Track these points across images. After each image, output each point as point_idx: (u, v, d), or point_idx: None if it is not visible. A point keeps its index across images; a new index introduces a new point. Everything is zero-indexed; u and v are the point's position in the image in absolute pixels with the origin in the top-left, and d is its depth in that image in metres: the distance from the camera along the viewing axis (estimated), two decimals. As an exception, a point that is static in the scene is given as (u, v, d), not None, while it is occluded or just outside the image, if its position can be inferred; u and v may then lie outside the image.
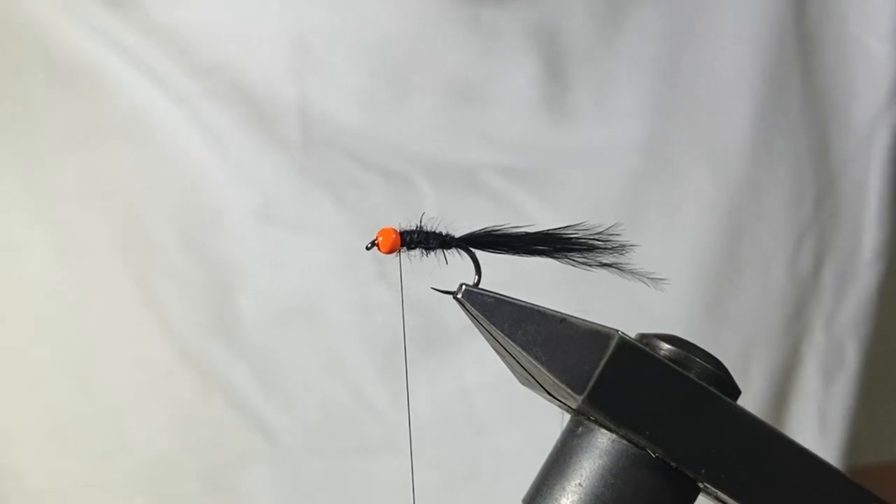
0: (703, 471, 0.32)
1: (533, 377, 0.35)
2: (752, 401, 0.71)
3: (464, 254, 0.37)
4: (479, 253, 0.37)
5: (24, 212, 0.69)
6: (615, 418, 0.33)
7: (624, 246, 0.39)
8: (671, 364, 0.33)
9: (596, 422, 0.33)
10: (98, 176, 0.70)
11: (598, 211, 0.73)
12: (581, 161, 0.74)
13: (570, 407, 0.35)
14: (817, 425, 0.74)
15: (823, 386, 0.71)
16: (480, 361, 0.68)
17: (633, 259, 0.38)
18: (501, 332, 0.34)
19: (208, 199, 0.69)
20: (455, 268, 0.37)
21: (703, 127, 0.75)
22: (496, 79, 0.73)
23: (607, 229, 0.38)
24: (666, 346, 0.34)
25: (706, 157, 0.75)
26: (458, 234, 0.37)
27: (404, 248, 0.35)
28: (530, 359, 0.33)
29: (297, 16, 0.71)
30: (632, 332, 0.35)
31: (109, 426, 0.66)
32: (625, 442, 0.33)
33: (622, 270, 0.38)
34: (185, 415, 0.57)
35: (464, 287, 0.34)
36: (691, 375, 0.33)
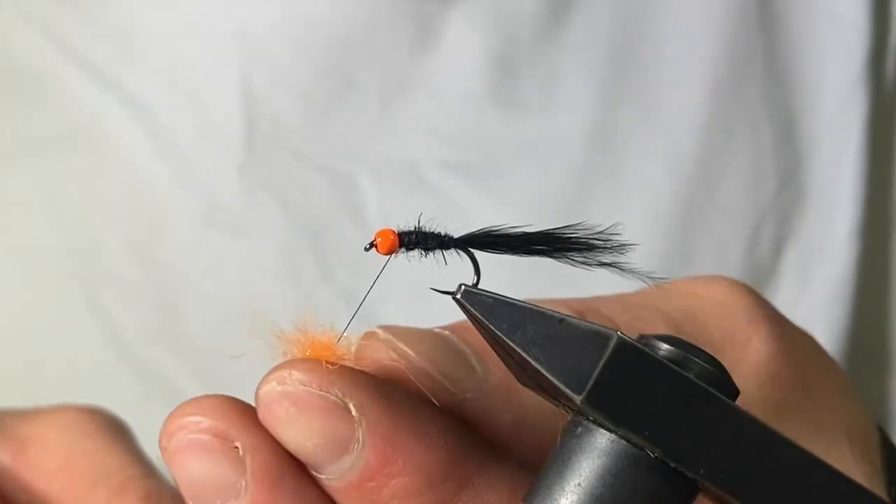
0: (701, 471, 0.32)
1: (532, 377, 0.35)
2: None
3: (462, 254, 0.37)
4: (477, 253, 0.37)
5: None
6: (614, 419, 0.33)
7: (624, 245, 0.39)
8: (670, 364, 0.33)
9: (595, 422, 0.33)
10: (46, 181, 0.69)
11: (543, 204, 0.72)
12: (527, 153, 0.72)
13: (569, 407, 0.35)
14: None
15: None
16: None
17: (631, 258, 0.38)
18: (500, 332, 0.34)
19: (154, 204, 0.69)
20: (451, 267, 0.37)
21: (655, 112, 0.74)
22: (441, 72, 0.72)
23: (607, 229, 0.38)
24: (665, 346, 0.34)
25: (657, 143, 0.74)
26: (456, 234, 0.37)
27: (402, 248, 0.36)
28: (529, 359, 0.33)
29: (241, 12, 0.70)
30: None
31: None
32: (624, 442, 0.33)
33: (622, 269, 0.38)
34: (129, 420, 0.57)
35: (463, 287, 0.34)
36: (690, 376, 0.33)
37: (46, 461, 0.47)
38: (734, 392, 0.34)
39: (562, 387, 0.33)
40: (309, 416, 0.34)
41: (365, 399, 0.34)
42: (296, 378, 0.34)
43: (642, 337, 0.34)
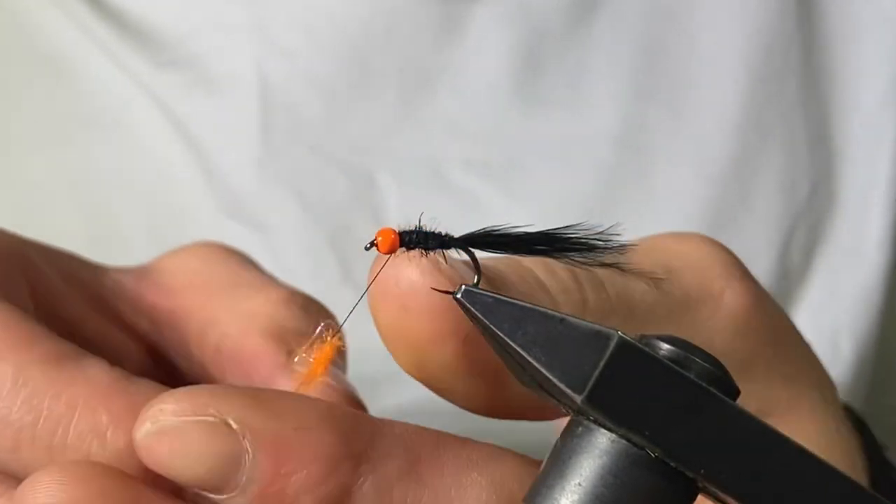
0: (702, 470, 0.32)
1: (533, 377, 0.35)
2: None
3: (463, 254, 0.37)
4: (478, 253, 0.37)
5: None
6: (615, 418, 0.33)
7: (625, 245, 0.39)
8: (671, 364, 0.33)
9: (595, 422, 0.33)
10: (70, 166, 0.69)
11: (568, 205, 0.71)
12: (552, 152, 0.72)
13: (570, 407, 0.35)
14: None
15: None
16: None
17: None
18: (501, 332, 0.34)
19: (176, 193, 0.69)
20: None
21: (686, 110, 0.73)
22: (465, 67, 0.71)
23: (608, 229, 0.38)
24: (665, 346, 0.34)
25: (687, 143, 0.72)
26: (458, 232, 0.37)
27: (403, 248, 0.36)
28: (530, 359, 0.33)
29: (261, 3, 0.70)
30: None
31: None
32: (624, 442, 0.33)
33: (623, 270, 0.38)
34: None
35: (463, 287, 0.34)
36: (691, 375, 0.33)
37: (173, 280, 0.47)
38: (735, 392, 0.34)
39: (562, 387, 0.33)
40: (193, 445, 0.34)
41: (242, 410, 0.34)
42: (168, 411, 0.34)
43: (643, 336, 0.34)
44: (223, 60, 0.70)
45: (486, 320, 0.34)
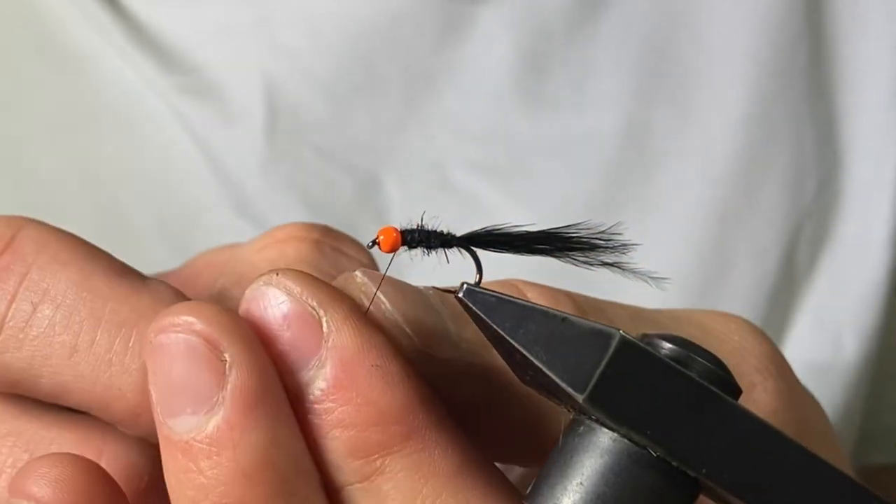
0: (704, 470, 0.32)
1: (535, 376, 0.35)
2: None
3: (465, 253, 0.37)
4: (480, 252, 0.37)
5: (4, 189, 0.68)
6: (616, 418, 0.33)
7: (626, 245, 0.38)
8: (673, 363, 0.33)
9: (597, 421, 0.33)
10: (81, 160, 0.69)
11: (572, 206, 0.70)
12: (557, 153, 0.71)
13: (571, 406, 0.35)
14: None
15: (812, 379, 0.68)
16: None
17: (634, 258, 0.38)
18: (503, 331, 0.34)
19: (185, 191, 0.69)
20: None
21: (692, 109, 0.72)
22: (470, 68, 0.71)
23: (609, 228, 0.38)
24: (667, 345, 0.34)
25: (694, 142, 0.72)
26: (460, 233, 0.37)
27: (405, 246, 0.36)
28: (531, 358, 0.33)
29: (264, 3, 0.70)
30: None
31: None
32: (626, 441, 0.33)
33: (624, 269, 0.38)
34: None
35: (465, 286, 0.34)
36: (693, 375, 0.33)
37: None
38: (737, 391, 0.34)
39: (564, 386, 0.33)
40: (281, 320, 0.34)
41: (338, 319, 0.34)
42: (281, 282, 0.34)
43: (645, 336, 0.34)
44: (229, 62, 0.70)
45: (487, 319, 0.34)
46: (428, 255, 0.36)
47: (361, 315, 0.35)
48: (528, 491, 0.35)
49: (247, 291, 0.34)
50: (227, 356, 0.33)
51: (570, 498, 0.33)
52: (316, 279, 0.35)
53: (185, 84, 0.69)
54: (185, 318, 0.34)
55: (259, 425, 0.33)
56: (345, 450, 0.34)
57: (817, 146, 0.73)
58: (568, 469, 0.33)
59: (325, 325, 0.34)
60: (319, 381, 0.34)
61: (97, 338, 0.37)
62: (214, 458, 0.33)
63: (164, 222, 0.68)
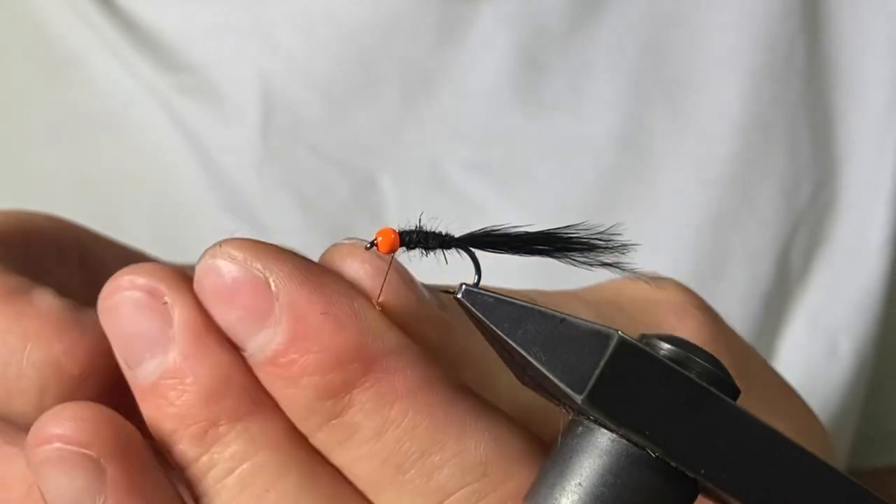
0: (703, 471, 0.32)
1: (533, 377, 0.35)
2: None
3: (463, 254, 0.37)
4: (478, 253, 0.37)
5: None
6: (615, 418, 0.33)
7: (626, 245, 0.38)
8: (671, 364, 0.33)
9: (596, 421, 0.33)
10: (75, 164, 0.69)
11: (568, 207, 0.70)
12: (553, 154, 0.71)
13: (570, 407, 0.35)
14: None
15: (807, 382, 0.68)
16: None
17: (632, 258, 0.38)
18: (501, 331, 0.34)
19: (179, 193, 0.69)
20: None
21: (689, 112, 0.72)
22: (467, 68, 0.71)
23: (608, 229, 0.38)
24: (666, 345, 0.34)
25: (691, 144, 0.72)
26: (457, 234, 0.37)
27: (403, 248, 0.36)
28: (530, 359, 0.33)
29: (263, 5, 0.70)
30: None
31: None
32: (625, 442, 0.33)
33: (623, 270, 0.38)
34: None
35: (464, 287, 0.34)
36: (691, 375, 0.33)
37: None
38: (736, 392, 0.34)
39: (563, 386, 0.33)
40: (232, 289, 0.36)
41: (283, 274, 0.35)
42: (225, 251, 0.36)
43: (643, 336, 0.34)
44: (225, 61, 0.70)
45: (486, 320, 0.34)
46: (426, 255, 0.36)
47: (304, 269, 0.36)
48: (526, 491, 0.35)
49: (197, 267, 0.36)
50: (167, 299, 0.36)
51: (568, 498, 0.33)
52: (257, 242, 0.36)
53: (180, 83, 0.69)
54: (126, 277, 0.36)
55: (210, 349, 0.36)
56: (313, 395, 0.36)
57: (813, 150, 0.73)
58: (566, 470, 0.33)
59: (272, 284, 0.35)
60: (278, 337, 0.35)
61: None
62: (179, 387, 0.36)
63: (156, 224, 0.68)
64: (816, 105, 0.74)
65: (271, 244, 0.36)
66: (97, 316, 0.38)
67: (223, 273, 0.36)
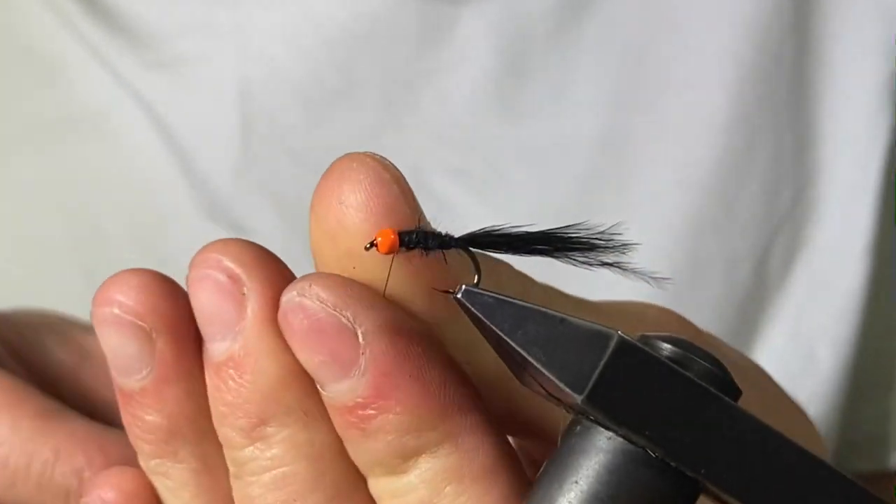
0: (702, 471, 0.32)
1: (533, 377, 0.35)
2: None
3: (463, 254, 0.37)
4: (478, 253, 0.37)
5: None
6: (615, 418, 0.33)
7: (626, 245, 0.38)
8: (671, 364, 0.33)
9: (595, 421, 0.33)
10: (51, 168, 0.69)
11: (547, 213, 0.70)
12: (533, 159, 0.71)
13: (570, 407, 0.35)
14: None
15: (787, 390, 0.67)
16: None
17: (631, 259, 0.38)
18: (501, 332, 0.34)
19: (159, 196, 0.69)
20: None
21: (670, 117, 0.71)
22: (447, 73, 0.71)
23: (609, 229, 0.38)
24: (666, 346, 0.34)
25: (671, 150, 0.72)
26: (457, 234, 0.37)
27: (403, 248, 0.35)
28: (530, 359, 0.33)
29: (241, 6, 0.70)
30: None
31: None
32: (624, 441, 0.33)
33: (624, 270, 0.38)
34: None
35: (463, 287, 0.34)
36: (691, 375, 0.33)
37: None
38: (736, 392, 0.34)
39: (563, 386, 0.33)
40: (317, 333, 0.35)
41: (374, 327, 0.35)
42: (314, 293, 0.35)
43: (643, 336, 0.34)
44: (205, 64, 0.70)
45: (486, 320, 0.34)
46: (426, 256, 0.36)
47: (396, 324, 0.36)
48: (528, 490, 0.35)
49: (282, 299, 0.36)
50: (245, 290, 0.36)
51: (565, 497, 0.33)
52: (346, 283, 0.36)
53: (161, 85, 0.69)
54: (214, 256, 0.37)
55: (274, 353, 0.36)
56: (383, 450, 0.36)
57: (795, 154, 0.73)
58: (564, 469, 0.33)
59: (360, 337, 0.35)
60: (360, 389, 0.35)
61: (31, 471, 0.44)
62: (238, 379, 0.37)
63: (135, 228, 0.68)
64: (801, 110, 0.73)
65: (361, 285, 0.36)
66: (119, 435, 0.42)
67: (310, 314, 0.35)
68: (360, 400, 0.35)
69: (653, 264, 0.69)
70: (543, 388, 0.35)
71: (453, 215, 0.68)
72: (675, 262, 0.71)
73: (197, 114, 0.69)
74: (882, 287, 0.74)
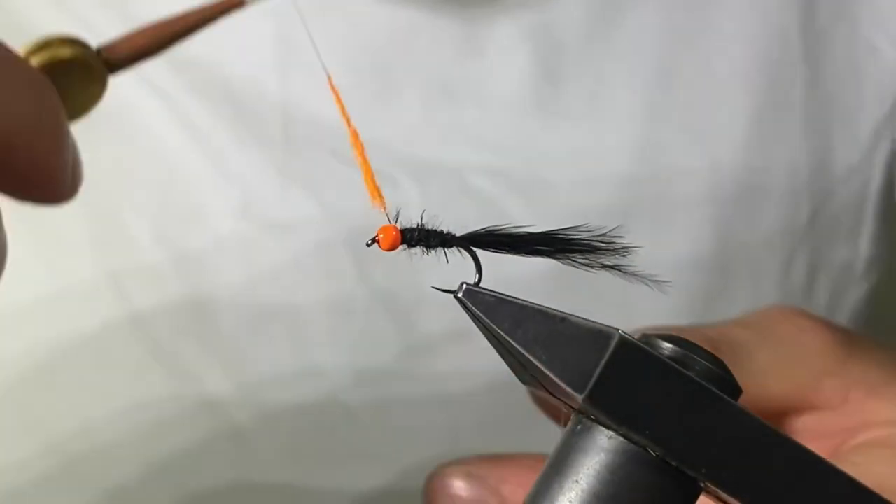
0: (703, 470, 0.32)
1: (534, 376, 0.35)
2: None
3: (464, 252, 0.37)
4: (479, 252, 0.37)
5: None
6: (616, 417, 0.32)
7: (627, 248, 0.38)
8: (672, 363, 0.33)
9: (596, 420, 0.33)
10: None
11: (584, 216, 0.71)
12: (570, 164, 0.72)
13: (570, 406, 0.35)
14: None
15: None
16: (461, 371, 0.66)
17: (632, 262, 0.38)
18: (502, 331, 0.34)
19: (186, 195, 0.68)
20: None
21: (698, 130, 0.73)
22: (487, 78, 0.71)
23: (610, 231, 0.38)
24: (667, 345, 0.34)
25: (699, 162, 0.73)
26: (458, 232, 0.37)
27: (404, 245, 0.35)
28: (531, 358, 0.33)
29: (281, 11, 0.70)
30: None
31: (77, 426, 0.63)
32: (625, 440, 0.33)
33: (624, 272, 0.38)
34: (155, 417, 0.56)
35: (464, 286, 0.34)
36: (692, 374, 0.33)
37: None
38: (737, 391, 0.34)
39: (563, 385, 0.33)
40: None
41: None
42: (458, 470, 0.41)
43: (644, 336, 0.34)
44: (246, 69, 0.70)
45: (487, 319, 0.34)
46: (427, 254, 0.36)
47: None
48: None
49: (430, 475, 0.39)
50: None
51: (566, 496, 0.33)
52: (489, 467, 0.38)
53: (195, 86, 0.69)
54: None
55: None
56: None
57: (812, 173, 0.74)
58: (565, 468, 0.33)
59: None
60: None
61: None
62: None
63: (160, 227, 0.68)
64: (815, 132, 0.75)
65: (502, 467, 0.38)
66: None
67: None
68: None
69: (683, 276, 0.70)
70: (544, 387, 0.35)
71: (495, 214, 0.69)
72: (705, 268, 0.72)
73: (232, 111, 0.69)
74: (889, 298, 0.76)
